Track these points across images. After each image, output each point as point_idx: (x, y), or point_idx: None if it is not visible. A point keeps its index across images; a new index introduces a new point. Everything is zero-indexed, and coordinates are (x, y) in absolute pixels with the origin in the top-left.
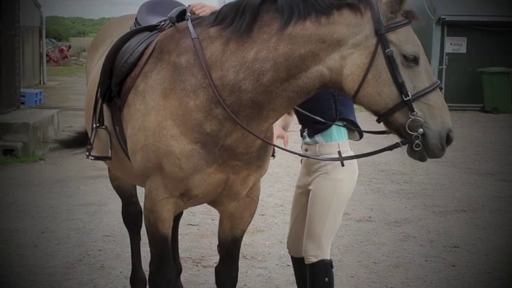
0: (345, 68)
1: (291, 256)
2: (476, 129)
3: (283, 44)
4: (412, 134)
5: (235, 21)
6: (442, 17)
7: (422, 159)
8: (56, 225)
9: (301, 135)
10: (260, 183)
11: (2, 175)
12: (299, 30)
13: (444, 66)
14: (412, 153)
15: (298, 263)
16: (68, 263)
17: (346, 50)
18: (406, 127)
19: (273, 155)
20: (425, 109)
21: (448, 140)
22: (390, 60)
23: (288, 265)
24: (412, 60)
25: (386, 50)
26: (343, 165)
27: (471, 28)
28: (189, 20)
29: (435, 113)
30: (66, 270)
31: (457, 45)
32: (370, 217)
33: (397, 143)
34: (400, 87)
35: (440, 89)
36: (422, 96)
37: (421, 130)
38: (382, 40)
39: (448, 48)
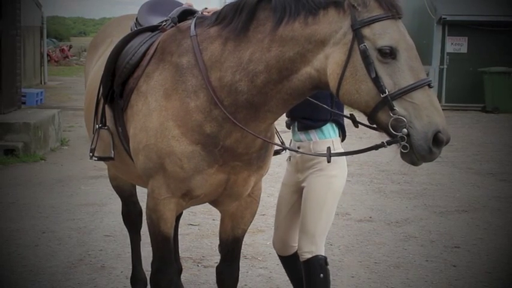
0: (328, 67)
1: (280, 256)
2: (477, 129)
3: (274, 46)
4: (397, 135)
5: (234, 21)
6: (443, 16)
7: (414, 163)
8: (57, 225)
9: (288, 127)
10: (261, 182)
11: (2, 175)
12: (288, 31)
13: (445, 66)
14: (402, 156)
15: (288, 262)
16: (69, 262)
17: (328, 49)
18: (389, 127)
19: (280, 152)
20: (410, 108)
21: (437, 141)
22: (364, 56)
23: None
24: (389, 55)
25: (360, 45)
26: (329, 161)
27: (472, 28)
28: (194, 19)
29: (421, 112)
30: (67, 270)
31: (458, 45)
32: (370, 217)
33: (382, 143)
34: (375, 83)
35: (430, 86)
36: (405, 94)
37: (405, 130)
38: (356, 35)
39: (449, 48)
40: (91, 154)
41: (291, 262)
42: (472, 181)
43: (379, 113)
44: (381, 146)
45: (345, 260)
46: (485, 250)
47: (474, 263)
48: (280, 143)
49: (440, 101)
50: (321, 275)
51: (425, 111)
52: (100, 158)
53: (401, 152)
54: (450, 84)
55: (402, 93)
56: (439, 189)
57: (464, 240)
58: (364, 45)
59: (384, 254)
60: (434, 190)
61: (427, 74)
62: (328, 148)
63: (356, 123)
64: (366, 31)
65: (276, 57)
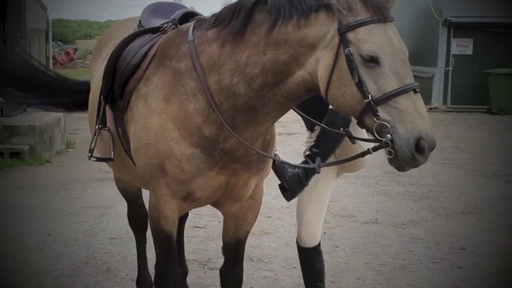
0: (318, 70)
1: (305, 249)
2: (482, 130)
3: (270, 49)
4: (382, 140)
5: (231, 23)
6: (448, 18)
7: (399, 169)
8: (63, 228)
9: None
10: (263, 184)
11: (8, 178)
12: (282, 34)
13: (450, 68)
14: (389, 161)
15: (312, 253)
16: (75, 265)
17: (319, 52)
18: (374, 132)
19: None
20: (394, 113)
21: (419, 148)
22: (348, 60)
23: (295, 267)
24: (372, 60)
25: (345, 50)
26: (318, 172)
27: (477, 29)
28: (193, 22)
29: (405, 117)
30: (72, 273)
31: (463, 46)
32: (376, 219)
33: (368, 149)
34: (358, 88)
35: (416, 92)
36: (389, 99)
37: (388, 136)
38: (342, 39)
39: (454, 50)
40: (89, 154)
41: (314, 253)
42: (478, 183)
43: (365, 117)
44: (367, 152)
45: (350, 262)
46: (490, 252)
47: (479, 265)
48: (272, 155)
49: (445, 103)
50: None
51: (409, 116)
52: (99, 159)
53: (387, 157)
54: (455, 86)
55: (386, 98)
56: (444, 191)
57: (470, 241)
58: (349, 49)
59: (389, 255)
60: (439, 192)
61: (433, 76)
62: (318, 159)
63: (352, 139)
64: (351, 35)
65: (271, 60)
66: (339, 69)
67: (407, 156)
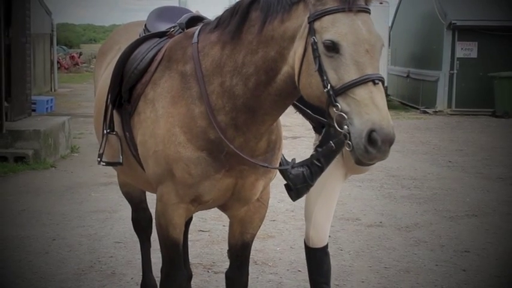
0: (294, 62)
1: (312, 249)
2: (486, 133)
3: (261, 47)
4: (341, 132)
5: (230, 24)
6: (453, 21)
7: (357, 162)
8: (67, 232)
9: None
10: (270, 187)
11: (13, 182)
12: (270, 31)
13: (455, 71)
14: (350, 154)
15: (320, 253)
16: (79, 269)
17: (296, 43)
18: (335, 123)
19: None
20: (352, 104)
21: (371, 140)
22: (312, 49)
23: (299, 270)
24: (332, 49)
25: (311, 38)
26: (291, 173)
27: (482, 33)
28: (200, 25)
29: (361, 109)
30: (77, 277)
31: (467, 50)
32: (381, 222)
33: (330, 143)
34: (320, 76)
35: (375, 83)
36: (348, 89)
37: (346, 127)
38: (310, 29)
39: (459, 53)
40: (99, 159)
41: (321, 253)
42: (482, 186)
43: (329, 108)
44: (330, 147)
45: (355, 265)
46: (494, 254)
47: (484, 267)
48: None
49: (450, 106)
50: None
51: (365, 108)
52: (108, 163)
53: (348, 150)
54: (460, 89)
55: (345, 88)
56: (448, 194)
57: (474, 244)
58: (313, 38)
59: (394, 258)
60: (444, 195)
61: (437, 79)
62: (293, 159)
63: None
64: (317, 24)
65: (262, 58)
66: (307, 58)
67: (360, 148)
